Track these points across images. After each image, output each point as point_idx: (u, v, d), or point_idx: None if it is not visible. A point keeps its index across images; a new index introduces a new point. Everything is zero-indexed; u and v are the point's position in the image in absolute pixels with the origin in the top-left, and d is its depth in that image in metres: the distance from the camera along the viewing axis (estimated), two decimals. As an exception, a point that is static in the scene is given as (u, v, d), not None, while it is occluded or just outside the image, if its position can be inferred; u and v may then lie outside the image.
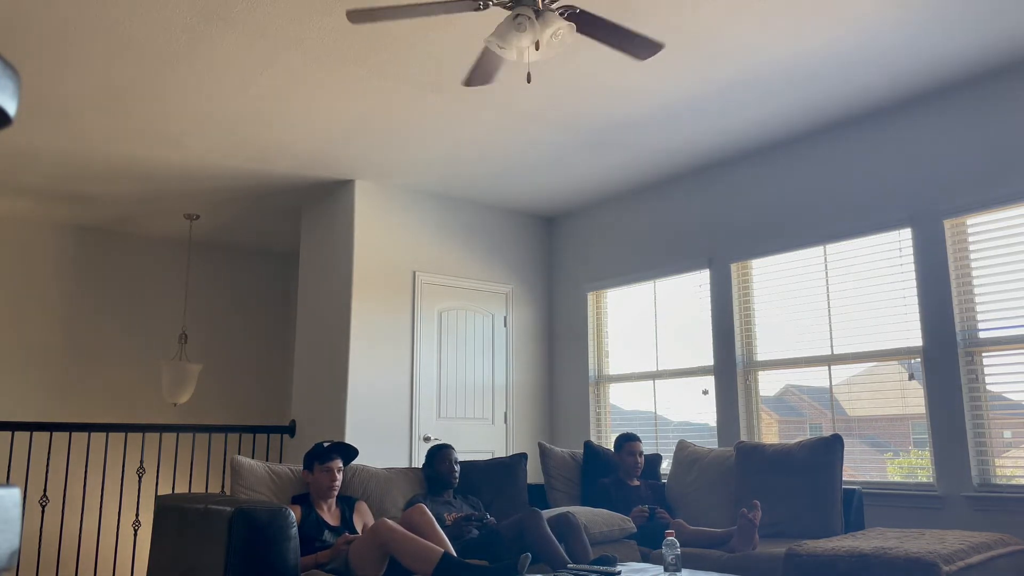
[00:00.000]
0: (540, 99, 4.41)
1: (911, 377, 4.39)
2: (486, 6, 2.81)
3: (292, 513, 3.04)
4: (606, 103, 4.47)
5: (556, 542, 3.49)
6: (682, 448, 4.83)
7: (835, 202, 4.78)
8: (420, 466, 4.84)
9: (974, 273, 4.18)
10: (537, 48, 2.78)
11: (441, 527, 3.40)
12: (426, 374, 5.82)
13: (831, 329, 4.73)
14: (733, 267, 5.30)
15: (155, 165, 5.34)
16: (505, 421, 6.20)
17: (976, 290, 4.16)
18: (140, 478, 5.56)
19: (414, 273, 5.86)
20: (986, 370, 4.09)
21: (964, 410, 4.10)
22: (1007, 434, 4.02)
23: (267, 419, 7.46)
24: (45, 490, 5.28)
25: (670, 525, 4.02)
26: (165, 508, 3.49)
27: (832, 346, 4.71)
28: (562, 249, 6.63)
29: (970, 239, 4.22)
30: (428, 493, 4.13)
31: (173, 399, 6.04)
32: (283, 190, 5.93)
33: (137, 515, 5.55)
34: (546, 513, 3.81)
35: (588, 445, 4.85)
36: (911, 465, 4.38)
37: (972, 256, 4.20)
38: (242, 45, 3.76)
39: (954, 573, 2.81)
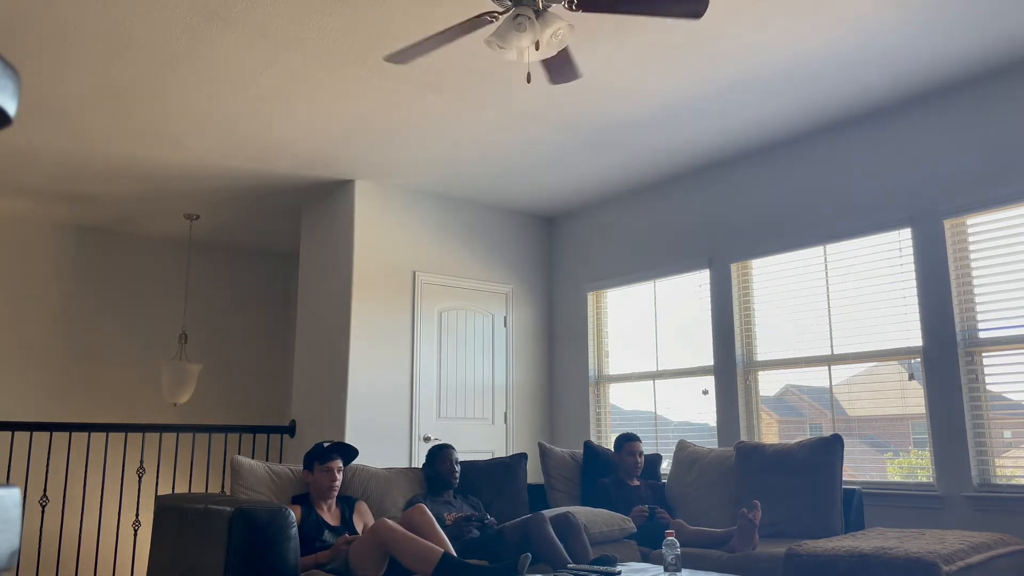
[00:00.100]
0: (540, 99, 4.41)
1: (911, 377, 4.39)
2: (496, 19, 2.82)
3: (292, 513, 3.04)
4: (606, 103, 4.47)
5: (561, 546, 3.48)
6: (682, 448, 4.83)
7: (835, 202, 4.78)
8: (420, 466, 4.84)
9: (974, 273, 4.18)
10: (537, 48, 2.78)
11: (441, 527, 3.40)
12: (426, 374, 5.82)
13: (831, 329, 4.73)
14: (733, 267, 5.30)
15: (155, 165, 5.34)
16: (505, 421, 6.20)
17: (976, 290, 4.16)
18: (140, 478, 5.56)
19: (414, 273, 5.86)
20: (986, 370, 4.09)
21: (964, 410, 4.10)
22: (1007, 434, 4.02)
23: (267, 419, 7.46)
24: (45, 490, 5.28)
25: (670, 525, 4.02)
26: (165, 508, 3.49)
27: (832, 346, 4.71)
28: (562, 249, 6.63)
29: (970, 239, 4.22)
30: (428, 493, 4.13)
31: (173, 399, 6.04)
32: (283, 190, 5.93)
33: (137, 515, 5.55)
34: (546, 513, 3.81)
35: (588, 445, 4.85)
36: (911, 465, 4.38)
37: (972, 256, 4.20)
38: (242, 45, 3.76)
39: (954, 573, 2.81)
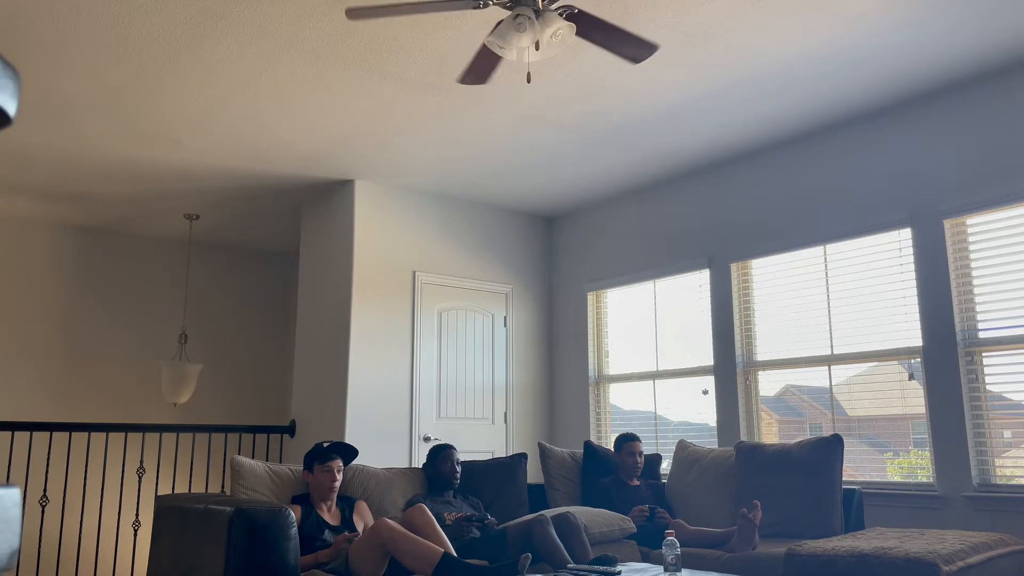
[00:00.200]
0: (540, 99, 4.41)
1: (911, 377, 4.39)
2: (485, 5, 2.81)
3: (292, 513, 3.04)
4: (606, 103, 4.47)
5: (563, 548, 3.48)
6: (682, 448, 4.83)
7: (835, 202, 4.78)
8: (420, 466, 4.84)
9: (974, 273, 4.18)
10: (537, 48, 2.78)
11: (441, 527, 3.40)
12: (426, 374, 5.82)
13: (831, 329, 4.73)
14: (733, 267, 5.30)
15: (155, 165, 5.34)
16: (505, 421, 6.20)
17: (976, 290, 4.16)
18: (140, 478, 5.56)
19: (414, 273, 5.86)
20: (986, 370, 4.09)
21: (964, 410, 4.10)
22: (1007, 434, 4.02)
23: (267, 419, 7.46)
24: (45, 490, 5.28)
25: (670, 525, 4.02)
26: (165, 508, 3.49)
27: (832, 346, 4.71)
28: (562, 249, 6.63)
29: (970, 239, 4.22)
30: (428, 493, 4.13)
31: (173, 399, 6.04)
32: (283, 190, 5.93)
33: (137, 515, 5.55)
34: (546, 513, 3.81)
35: (588, 445, 4.85)
36: (911, 465, 4.38)
37: (972, 256, 4.20)
38: (242, 45, 3.76)
39: (954, 573, 2.81)
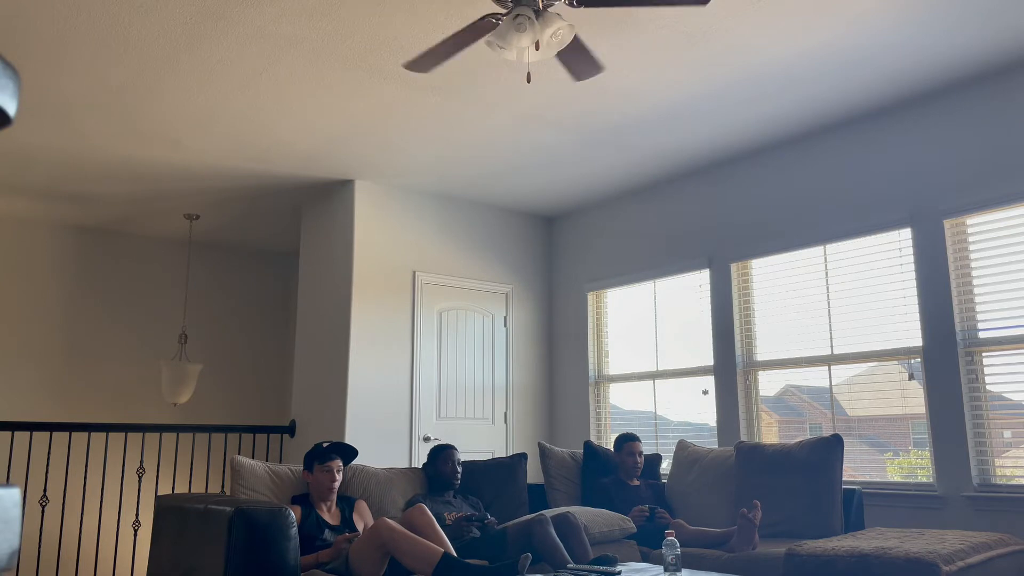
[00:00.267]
0: (540, 99, 4.41)
1: (911, 377, 4.39)
2: (500, 21, 2.83)
3: (292, 513, 3.04)
4: (606, 103, 4.47)
5: (563, 549, 3.48)
6: (682, 448, 4.83)
7: (835, 202, 4.78)
8: (420, 466, 4.84)
9: (974, 273, 4.18)
10: (537, 48, 2.78)
11: (441, 527, 3.40)
12: (426, 374, 5.82)
13: (831, 329, 4.73)
14: (733, 267, 5.30)
15: (155, 165, 5.34)
16: (505, 421, 6.20)
17: (976, 290, 4.16)
18: (140, 478, 5.55)
19: (414, 273, 5.86)
20: (986, 370, 4.09)
21: (964, 410, 4.10)
22: (1007, 434, 4.02)
23: (267, 419, 7.46)
24: (45, 490, 5.28)
25: (670, 525, 4.02)
26: (165, 508, 3.49)
27: (832, 346, 4.71)
28: (562, 249, 6.63)
29: (970, 239, 4.22)
30: (428, 492, 4.13)
31: (173, 399, 6.04)
32: (283, 190, 5.93)
33: (137, 515, 5.55)
34: (546, 513, 3.81)
35: (588, 445, 4.85)
36: (911, 465, 4.38)
37: (972, 256, 4.20)
38: (242, 45, 3.76)
39: (954, 573, 2.81)
